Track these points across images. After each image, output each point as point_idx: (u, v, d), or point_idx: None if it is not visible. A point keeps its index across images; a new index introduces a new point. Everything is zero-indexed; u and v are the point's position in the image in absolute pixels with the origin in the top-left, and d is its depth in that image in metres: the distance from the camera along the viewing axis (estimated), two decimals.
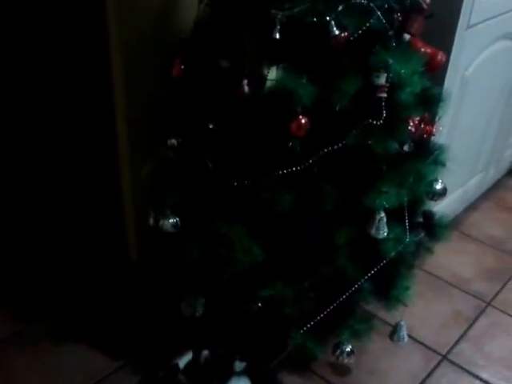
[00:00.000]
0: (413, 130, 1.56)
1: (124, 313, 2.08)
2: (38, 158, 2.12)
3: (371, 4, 1.40)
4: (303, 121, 1.44)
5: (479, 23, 2.03)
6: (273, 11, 1.38)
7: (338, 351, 1.82)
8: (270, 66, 1.47)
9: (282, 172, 1.55)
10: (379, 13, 1.41)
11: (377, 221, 1.61)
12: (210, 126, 1.62)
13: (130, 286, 2.08)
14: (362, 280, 1.72)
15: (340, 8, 1.37)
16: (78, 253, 2.22)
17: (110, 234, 2.16)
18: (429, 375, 2.01)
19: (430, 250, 1.90)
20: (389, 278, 1.79)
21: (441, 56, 1.61)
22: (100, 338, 2.08)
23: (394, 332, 1.90)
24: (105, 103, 1.84)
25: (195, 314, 1.81)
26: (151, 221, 1.81)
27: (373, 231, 1.63)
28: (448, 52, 1.91)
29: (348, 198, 1.60)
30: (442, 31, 1.87)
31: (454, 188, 2.45)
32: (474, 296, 2.34)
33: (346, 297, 1.71)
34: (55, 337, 2.09)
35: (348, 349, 1.81)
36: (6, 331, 2.10)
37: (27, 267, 2.28)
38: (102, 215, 2.14)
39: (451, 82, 2.04)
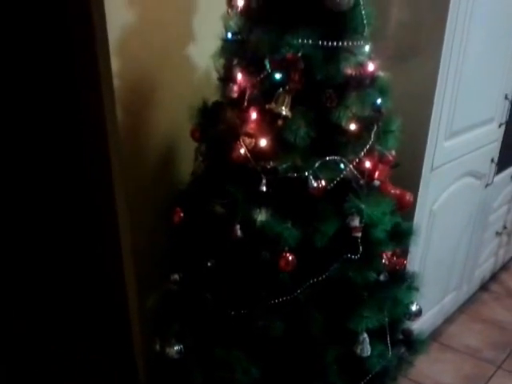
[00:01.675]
0: (386, 262, 1.66)
1: None
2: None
3: (343, 159, 1.55)
4: (290, 258, 1.56)
5: (442, 165, 2.16)
6: (259, 168, 1.53)
7: None
8: (258, 212, 1.59)
9: (274, 301, 1.64)
10: (351, 166, 1.55)
11: (361, 341, 1.68)
12: (208, 264, 1.72)
13: None
14: None
15: (317, 164, 1.52)
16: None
17: (120, 359, 2.20)
18: None
19: (410, 363, 1.96)
20: None
21: (409, 196, 1.74)
22: None
23: None
24: (113, 245, 1.95)
25: None
26: (157, 347, 1.88)
27: (358, 351, 1.70)
28: (416, 191, 2.05)
29: (333, 321, 1.68)
30: (410, 174, 2.01)
31: (432, 305, 2.53)
32: None
33: None
34: None
35: None
36: None
37: None
38: (113, 342, 2.19)
39: (420, 217, 2.15)
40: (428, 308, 2.44)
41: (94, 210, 2.00)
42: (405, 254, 1.80)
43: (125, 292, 2.02)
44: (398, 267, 1.70)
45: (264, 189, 1.53)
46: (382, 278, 1.69)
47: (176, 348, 1.78)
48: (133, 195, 1.89)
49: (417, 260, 2.20)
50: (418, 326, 2.05)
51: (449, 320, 2.86)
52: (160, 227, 1.82)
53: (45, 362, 2.26)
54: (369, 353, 1.71)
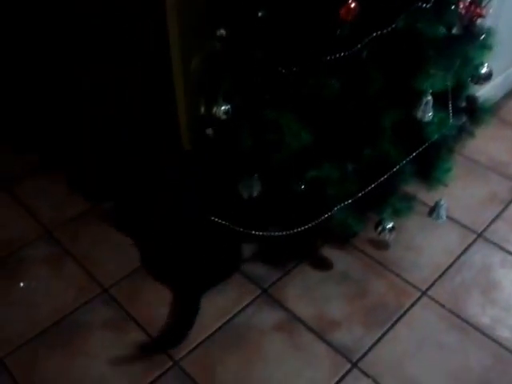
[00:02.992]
0: (462, 12, 1.46)
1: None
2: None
3: None
4: (353, 5, 1.37)
5: None
6: None
7: (380, 227, 1.82)
8: None
9: (330, 58, 1.49)
10: None
11: (423, 104, 1.56)
12: (259, 14, 1.55)
13: (185, 170, 2.08)
14: (404, 162, 1.70)
15: None
16: (136, 144, 2.22)
17: (163, 124, 2.15)
18: (464, 251, 2.01)
19: (471, 134, 1.85)
20: (430, 160, 1.76)
21: None
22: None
23: (433, 210, 1.87)
24: None
25: (252, 194, 1.81)
26: (202, 110, 1.79)
27: (419, 114, 1.59)
28: None
29: (395, 81, 1.54)
30: None
31: (496, 74, 2.31)
32: (510, 179, 2.29)
33: (388, 177, 1.70)
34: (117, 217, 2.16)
35: (389, 225, 1.82)
36: (75, 210, 2.18)
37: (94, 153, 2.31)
38: (156, 106, 2.11)
39: None
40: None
41: None
42: (482, 4, 1.58)
43: (168, 52, 1.88)
44: (474, 19, 1.50)
45: None
46: (454, 31, 1.51)
47: (223, 108, 1.69)
48: None
49: (490, 15, 1.96)
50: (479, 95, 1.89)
51: (511, 94, 2.69)
52: None
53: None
54: (430, 117, 1.60)
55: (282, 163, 1.69)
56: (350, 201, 1.71)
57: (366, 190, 1.70)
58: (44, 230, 2.09)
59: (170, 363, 1.68)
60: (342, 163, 1.69)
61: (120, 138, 2.22)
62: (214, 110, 1.70)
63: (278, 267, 1.96)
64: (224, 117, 1.70)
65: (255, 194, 1.77)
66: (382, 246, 2.01)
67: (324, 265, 1.97)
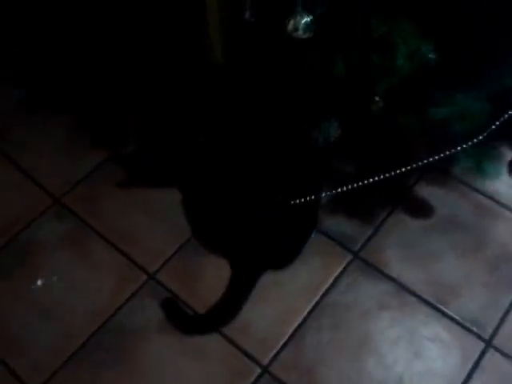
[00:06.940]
0: None
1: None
2: None
3: None
4: None
5: None
6: None
7: None
8: None
9: None
10: None
11: None
12: None
13: (214, 86, 1.60)
14: None
15: None
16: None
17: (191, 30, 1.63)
18: None
19: None
20: None
21: None
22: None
23: None
24: None
25: (328, 138, 1.35)
26: (247, 15, 1.30)
27: None
28: None
29: None
30: None
31: None
32: None
33: None
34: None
35: None
36: (86, 165, 1.66)
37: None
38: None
39: None
40: None
41: None
42: None
43: None
44: None
45: None
46: None
47: (305, 20, 1.17)
48: None
49: None
50: None
51: None
52: None
53: None
54: None
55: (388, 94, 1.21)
56: (480, 137, 1.25)
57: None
58: (51, 198, 1.59)
59: (259, 371, 1.30)
60: (476, 90, 1.21)
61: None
62: (291, 25, 1.17)
63: (367, 219, 1.53)
64: (306, 35, 1.18)
65: (332, 139, 1.32)
66: None
67: (422, 209, 1.55)
